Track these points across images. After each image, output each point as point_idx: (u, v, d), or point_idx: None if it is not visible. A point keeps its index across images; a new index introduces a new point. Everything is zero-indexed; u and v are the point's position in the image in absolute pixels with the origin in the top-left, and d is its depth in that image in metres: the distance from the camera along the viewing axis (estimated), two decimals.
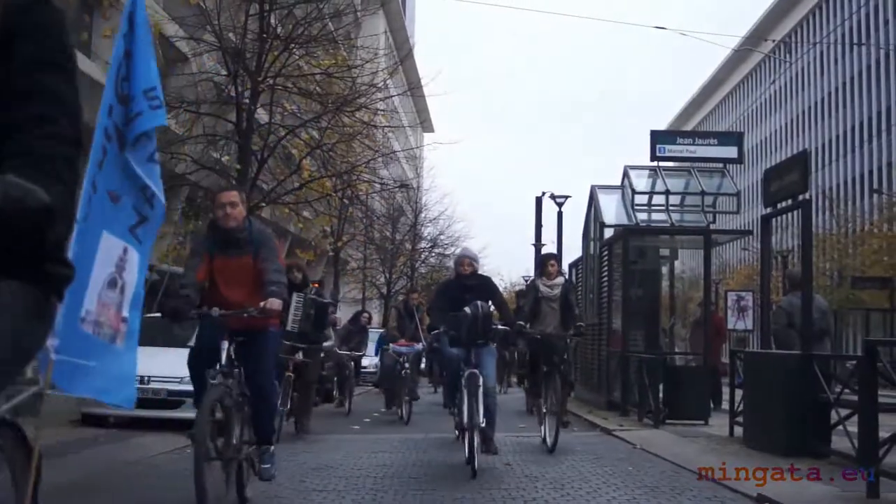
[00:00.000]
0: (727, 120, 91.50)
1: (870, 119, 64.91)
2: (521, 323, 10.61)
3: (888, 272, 38.55)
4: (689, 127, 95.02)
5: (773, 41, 62.77)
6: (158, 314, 7.43)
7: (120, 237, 5.56)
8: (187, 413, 9.97)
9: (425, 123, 63.27)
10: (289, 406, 11.78)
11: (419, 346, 15.57)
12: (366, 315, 19.33)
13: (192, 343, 7.31)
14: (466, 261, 9.84)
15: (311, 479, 8.15)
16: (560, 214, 31.11)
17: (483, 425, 8.74)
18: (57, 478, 8.09)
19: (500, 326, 9.55)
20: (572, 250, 29.24)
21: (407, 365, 15.28)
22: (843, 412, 8.56)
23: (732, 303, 25.67)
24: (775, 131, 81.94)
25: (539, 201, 33.42)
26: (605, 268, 17.34)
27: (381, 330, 22.69)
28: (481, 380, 8.87)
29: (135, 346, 5.91)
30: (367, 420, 15.61)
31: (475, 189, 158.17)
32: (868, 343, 7.78)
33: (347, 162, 22.03)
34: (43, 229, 2.20)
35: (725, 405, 13.29)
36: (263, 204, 20.67)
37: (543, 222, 33.88)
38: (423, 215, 46.44)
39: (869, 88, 64.99)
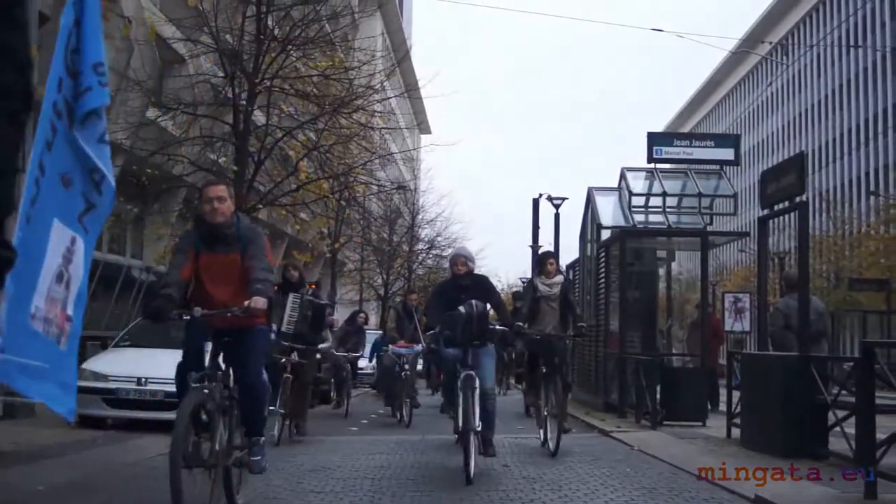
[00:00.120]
0: (724, 122, 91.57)
1: (867, 121, 64.99)
2: (520, 324, 10.29)
3: (885, 274, 38.59)
4: (686, 129, 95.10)
5: (771, 43, 62.84)
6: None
7: (69, 226, 5.15)
8: None
9: (422, 125, 63.34)
10: (287, 408, 11.58)
11: (418, 347, 15.24)
12: (362, 315, 19.09)
13: None
14: (461, 260, 9.55)
15: (308, 481, 8.14)
16: (557, 216, 31.23)
17: (479, 429, 8.53)
18: (55, 478, 8.11)
19: (497, 327, 9.28)
20: (569, 252, 29.32)
21: (407, 366, 15.08)
22: (841, 413, 8.57)
23: (729, 304, 25.70)
24: (772, 133, 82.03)
25: (536, 203, 33.50)
26: (602, 269, 17.34)
27: (379, 332, 22.60)
28: (478, 382, 8.63)
29: (76, 350, 5.52)
30: (365, 421, 15.61)
31: (473, 190, 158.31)
32: (865, 344, 7.80)
33: (344, 163, 22.03)
34: None
35: (723, 406, 13.30)
36: (260, 206, 20.67)
37: (541, 224, 33.98)
38: (420, 217, 46.43)
39: (866, 91, 65.06)
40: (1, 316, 4.27)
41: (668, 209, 16.54)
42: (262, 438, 6.67)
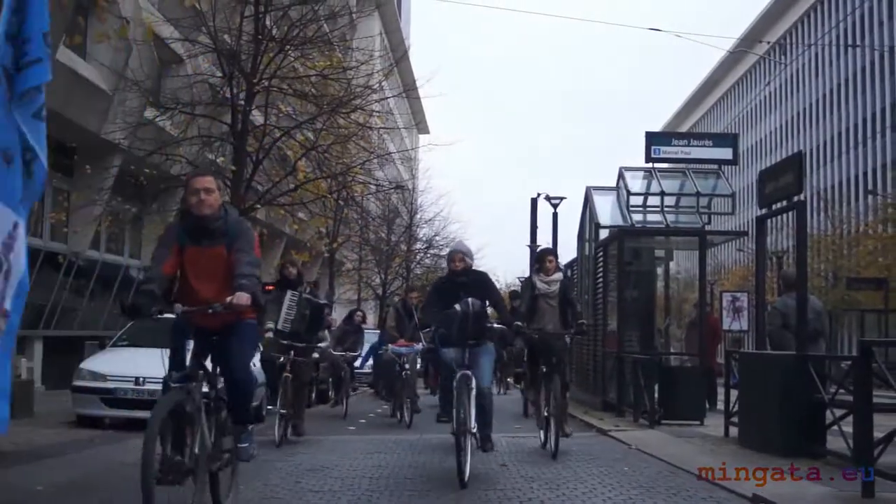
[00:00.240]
0: (722, 121, 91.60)
1: (864, 121, 65.03)
2: (519, 323, 9.95)
3: (883, 273, 38.61)
4: (684, 128, 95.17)
5: (768, 43, 62.87)
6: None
7: (11, 208, 4.56)
8: None
9: (420, 125, 63.33)
10: (287, 409, 11.32)
11: (419, 346, 14.95)
12: (360, 314, 18.89)
13: None
14: (458, 256, 9.14)
15: (306, 480, 8.15)
16: (555, 215, 31.23)
17: (474, 430, 8.25)
18: (55, 478, 8.12)
19: (496, 325, 9.03)
20: (567, 251, 29.28)
21: (407, 366, 14.82)
22: (839, 412, 8.58)
23: (727, 303, 25.69)
24: (770, 133, 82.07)
25: (534, 202, 33.49)
26: (601, 269, 17.35)
27: (377, 331, 22.47)
28: (474, 382, 8.35)
29: (10, 350, 4.92)
30: (363, 421, 15.60)
31: (471, 190, 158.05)
32: (863, 343, 7.80)
33: (343, 163, 22.02)
34: None
35: (721, 405, 13.31)
36: (259, 205, 20.68)
37: (539, 223, 33.98)
38: (418, 216, 46.46)
39: (863, 90, 65.09)
40: None
41: (666, 208, 16.55)
42: (251, 427, 6.47)
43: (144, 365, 12.14)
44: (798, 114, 76.53)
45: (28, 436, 11.36)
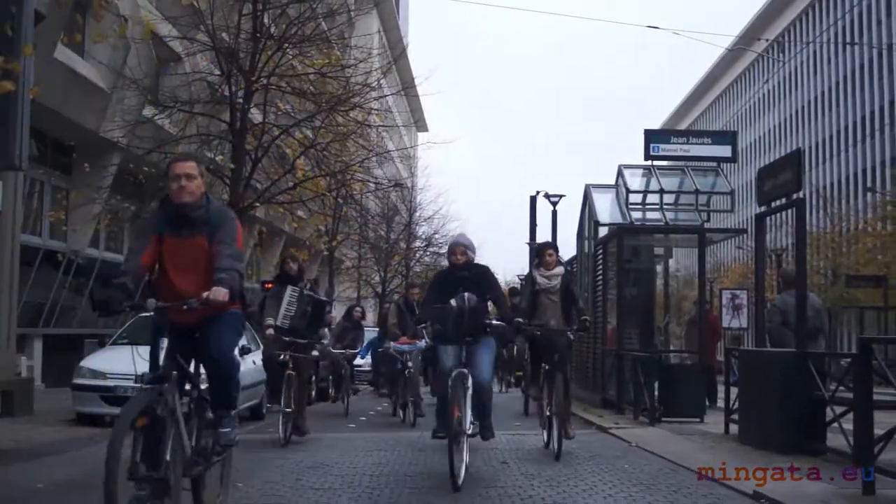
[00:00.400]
0: (721, 119, 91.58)
1: (863, 118, 65.02)
2: (520, 319, 9.68)
3: (882, 270, 38.59)
4: (683, 126, 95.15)
5: (767, 40, 62.83)
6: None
7: None
8: None
9: (419, 123, 63.29)
10: (292, 407, 11.08)
11: (421, 343, 14.31)
12: (358, 310, 18.57)
13: None
14: (460, 249, 8.72)
15: (307, 477, 8.15)
16: (554, 213, 31.26)
17: (469, 431, 7.99)
18: (55, 476, 8.12)
19: (495, 322, 8.60)
20: (567, 249, 29.29)
21: (410, 364, 14.45)
22: (839, 409, 8.58)
23: (727, 301, 25.67)
24: (769, 130, 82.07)
25: (533, 200, 33.50)
26: (600, 266, 17.36)
27: (376, 329, 22.31)
28: (470, 380, 8.03)
29: None
30: (363, 419, 15.60)
31: (470, 187, 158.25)
32: (863, 341, 7.80)
33: (341, 161, 22.04)
34: None
35: (721, 403, 13.31)
36: (258, 203, 20.68)
37: (538, 221, 33.98)
38: (417, 214, 46.45)
39: (862, 87, 65.08)
40: None
41: (665, 206, 16.56)
42: (233, 412, 6.10)
43: (144, 363, 12.10)
44: (797, 111, 76.52)
45: (28, 434, 11.37)
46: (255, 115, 20.54)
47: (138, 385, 5.49)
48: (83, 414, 13.05)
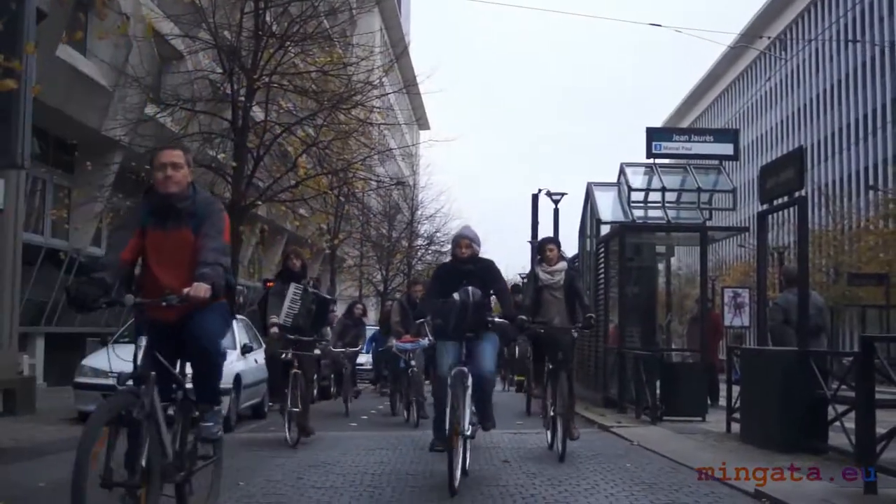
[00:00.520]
0: (723, 117, 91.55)
1: (865, 116, 64.98)
2: (523, 317, 9.28)
3: (884, 268, 38.57)
4: (685, 124, 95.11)
5: (769, 38, 62.86)
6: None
7: None
8: None
9: (421, 121, 63.33)
10: (298, 406, 10.78)
11: (424, 341, 13.33)
12: (359, 306, 18.23)
13: None
14: (464, 241, 8.36)
15: (308, 476, 8.14)
16: (556, 211, 31.27)
17: (468, 433, 7.67)
18: (57, 475, 8.10)
19: (497, 319, 8.20)
20: (568, 247, 29.28)
21: (413, 363, 14.17)
22: (840, 408, 8.58)
23: (729, 299, 25.67)
24: (771, 128, 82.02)
25: (535, 198, 33.51)
26: (602, 265, 17.35)
27: (377, 327, 22.15)
28: (470, 379, 7.69)
29: None
30: (365, 417, 15.60)
31: (472, 186, 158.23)
32: (865, 339, 7.78)
33: (343, 159, 22.04)
34: None
35: (722, 402, 13.30)
36: (259, 202, 20.69)
37: (540, 219, 33.99)
38: (419, 212, 46.42)
39: (864, 85, 65.03)
40: None
41: (667, 204, 16.53)
42: (217, 407, 5.75)
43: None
44: (799, 109, 76.47)
45: (30, 432, 11.37)
46: (257, 113, 20.54)
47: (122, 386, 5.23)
48: (85, 412, 13.02)
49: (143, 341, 5.25)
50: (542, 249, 10.64)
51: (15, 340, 15.26)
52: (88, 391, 12.93)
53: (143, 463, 4.92)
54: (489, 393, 8.31)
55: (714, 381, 16.05)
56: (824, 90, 71.65)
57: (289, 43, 19.45)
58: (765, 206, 11.04)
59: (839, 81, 68.98)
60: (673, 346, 18.47)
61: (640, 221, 16.55)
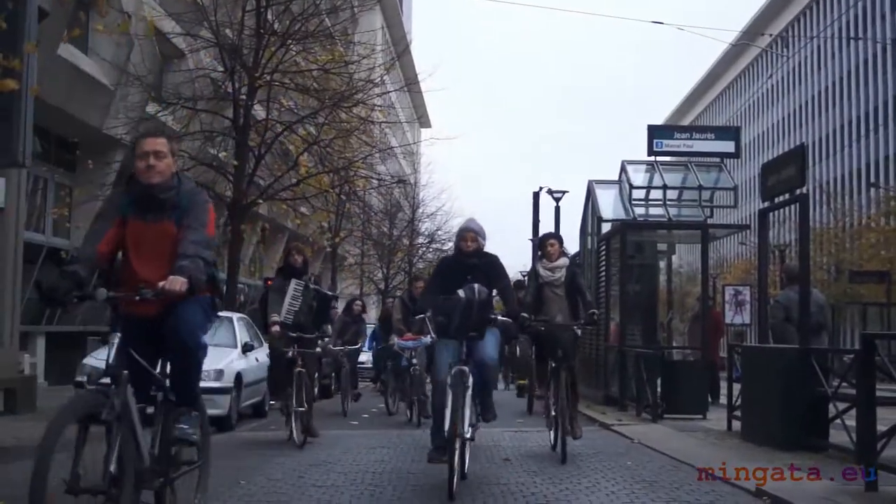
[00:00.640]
0: (724, 114, 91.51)
1: (867, 113, 64.95)
2: (525, 315, 9.06)
3: (885, 266, 38.59)
4: (686, 121, 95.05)
5: (771, 36, 62.75)
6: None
7: None
8: None
9: (422, 119, 63.34)
10: (304, 406, 10.59)
11: (427, 338, 13.12)
12: (359, 303, 17.96)
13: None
14: (470, 235, 8.03)
15: (309, 475, 8.14)
16: (557, 209, 31.27)
17: (468, 435, 7.36)
18: (57, 473, 8.10)
19: (500, 317, 7.88)
20: (570, 245, 29.26)
21: (415, 361, 13.94)
22: (841, 406, 8.57)
23: (730, 297, 25.71)
24: (773, 126, 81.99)
25: (536, 196, 33.51)
26: (603, 263, 17.34)
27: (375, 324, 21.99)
28: (470, 380, 7.34)
29: None
30: (366, 416, 15.60)
31: (473, 184, 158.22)
32: (866, 337, 7.78)
33: (344, 158, 22.05)
34: None
35: (723, 399, 13.30)
36: (261, 200, 20.70)
37: (541, 217, 34.01)
38: (420, 211, 46.42)
39: (866, 83, 65.00)
40: None
41: (668, 202, 16.54)
42: (195, 413, 5.38)
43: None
44: (800, 106, 76.44)
45: (30, 431, 11.34)
46: (259, 111, 20.55)
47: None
48: None
49: (116, 338, 4.94)
50: (543, 245, 10.40)
51: (16, 339, 15.26)
52: None
53: (112, 469, 4.58)
54: (491, 382, 8.11)
55: (715, 379, 16.06)
56: (826, 87, 71.61)
57: (290, 41, 19.45)
58: (766, 204, 11.03)
59: (841, 79, 68.95)
60: (674, 344, 18.47)
61: (642, 219, 16.56)
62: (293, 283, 10.72)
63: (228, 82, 19.44)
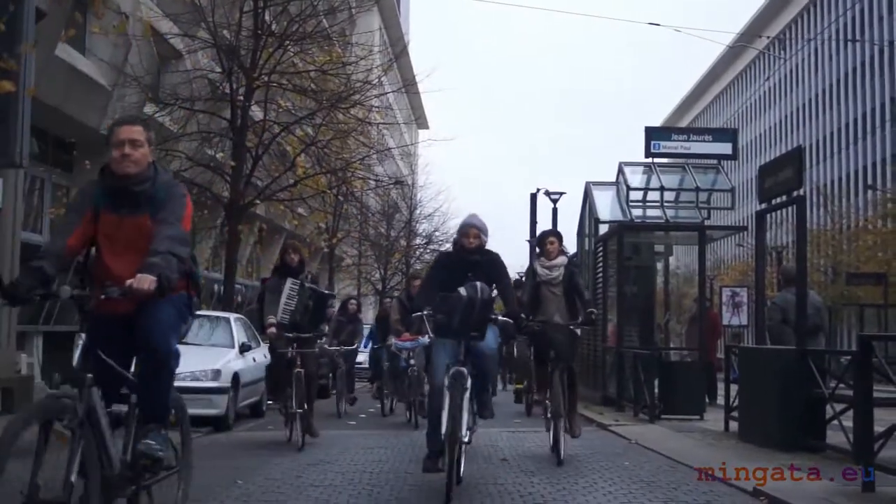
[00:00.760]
0: (722, 116, 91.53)
1: (864, 115, 64.99)
2: (524, 315, 8.61)
3: (882, 268, 38.59)
4: (683, 123, 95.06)
5: (768, 38, 62.80)
6: None
7: None
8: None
9: (420, 120, 63.29)
10: (304, 407, 10.49)
11: (425, 338, 12.52)
12: (353, 303, 17.72)
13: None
14: (473, 231, 7.75)
15: (307, 475, 8.15)
16: (555, 211, 31.29)
17: (466, 439, 7.12)
18: (57, 473, 8.10)
19: (500, 317, 7.60)
20: (567, 246, 29.28)
21: (413, 362, 13.77)
22: (839, 407, 8.59)
23: (727, 299, 25.69)
24: (770, 128, 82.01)
25: (534, 198, 33.52)
26: (600, 264, 17.35)
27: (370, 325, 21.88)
28: (469, 381, 7.11)
29: None
30: (363, 416, 15.60)
31: (470, 186, 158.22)
32: (863, 338, 7.79)
33: (342, 159, 22.05)
34: None
35: (721, 400, 13.32)
36: (258, 201, 20.69)
37: (538, 219, 34.03)
38: (417, 212, 46.40)
39: (863, 85, 65.04)
40: None
41: (665, 203, 16.56)
42: (164, 431, 4.99)
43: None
44: (798, 109, 76.47)
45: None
46: (256, 112, 20.54)
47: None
48: None
49: (80, 339, 4.66)
50: (543, 242, 10.08)
51: (13, 339, 15.25)
52: None
53: (73, 478, 4.25)
54: (489, 374, 7.89)
55: (712, 380, 16.07)
56: (823, 90, 71.65)
57: (288, 42, 19.45)
58: (763, 206, 11.05)
59: (838, 81, 68.99)
60: (671, 345, 18.47)
61: (639, 221, 16.56)
62: (289, 283, 10.57)
63: (226, 83, 19.44)
